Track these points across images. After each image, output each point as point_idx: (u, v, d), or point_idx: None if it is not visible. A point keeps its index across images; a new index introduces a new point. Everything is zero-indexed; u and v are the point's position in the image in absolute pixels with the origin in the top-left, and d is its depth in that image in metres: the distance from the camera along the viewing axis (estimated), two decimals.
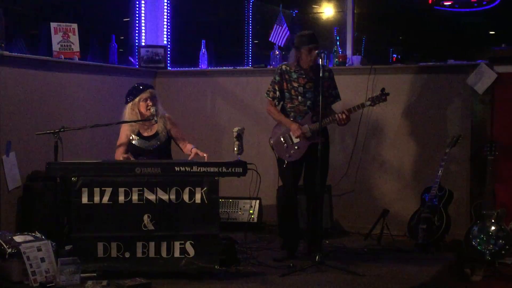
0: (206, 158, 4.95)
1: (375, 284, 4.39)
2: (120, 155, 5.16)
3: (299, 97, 5.09)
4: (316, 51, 4.98)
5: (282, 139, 5.13)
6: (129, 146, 5.21)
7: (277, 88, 5.16)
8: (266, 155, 6.50)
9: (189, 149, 5.15)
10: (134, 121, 5.16)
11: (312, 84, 5.08)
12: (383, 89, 5.06)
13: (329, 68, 5.32)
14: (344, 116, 4.97)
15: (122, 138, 5.25)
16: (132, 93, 5.22)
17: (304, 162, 5.13)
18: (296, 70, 5.12)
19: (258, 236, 5.80)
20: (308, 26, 7.48)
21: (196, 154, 5.04)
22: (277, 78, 5.16)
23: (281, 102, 5.20)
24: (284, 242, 5.21)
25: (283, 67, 5.17)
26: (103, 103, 6.14)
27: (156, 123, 5.16)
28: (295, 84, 5.11)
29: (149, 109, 5.13)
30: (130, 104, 5.18)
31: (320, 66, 4.92)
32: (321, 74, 4.87)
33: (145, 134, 5.24)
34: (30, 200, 5.08)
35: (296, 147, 5.09)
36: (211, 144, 6.66)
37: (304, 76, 5.09)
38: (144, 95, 5.18)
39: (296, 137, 5.07)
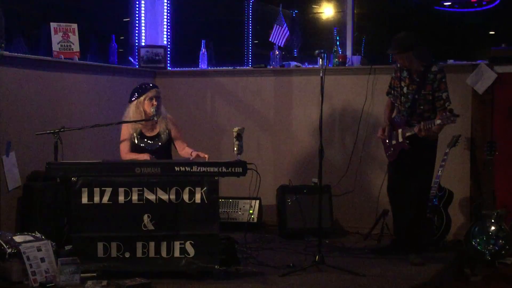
0: (207, 159, 4.94)
1: (375, 284, 4.38)
2: (126, 153, 5.17)
3: (402, 97, 5.04)
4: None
5: (387, 137, 5.15)
6: (131, 145, 5.21)
7: (391, 84, 5.17)
8: (266, 155, 6.51)
9: (188, 153, 5.15)
10: (134, 121, 5.17)
11: (414, 87, 4.98)
12: (451, 110, 4.77)
13: (437, 70, 4.93)
14: (423, 133, 4.83)
15: (124, 135, 5.25)
16: (138, 92, 5.22)
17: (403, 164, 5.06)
18: (407, 69, 5.03)
19: (258, 236, 5.80)
20: (308, 26, 7.48)
21: (198, 156, 5.04)
22: (393, 74, 5.16)
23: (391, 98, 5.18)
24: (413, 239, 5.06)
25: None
26: (103, 103, 6.13)
27: (156, 122, 5.17)
28: (402, 84, 5.04)
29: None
30: (135, 102, 5.18)
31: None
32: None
33: (148, 134, 5.24)
34: (30, 200, 5.07)
35: (391, 149, 5.10)
36: (211, 144, 6.66)
37: (409, 76, 5.01)
38: (150, 93, 5.19)
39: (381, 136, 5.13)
